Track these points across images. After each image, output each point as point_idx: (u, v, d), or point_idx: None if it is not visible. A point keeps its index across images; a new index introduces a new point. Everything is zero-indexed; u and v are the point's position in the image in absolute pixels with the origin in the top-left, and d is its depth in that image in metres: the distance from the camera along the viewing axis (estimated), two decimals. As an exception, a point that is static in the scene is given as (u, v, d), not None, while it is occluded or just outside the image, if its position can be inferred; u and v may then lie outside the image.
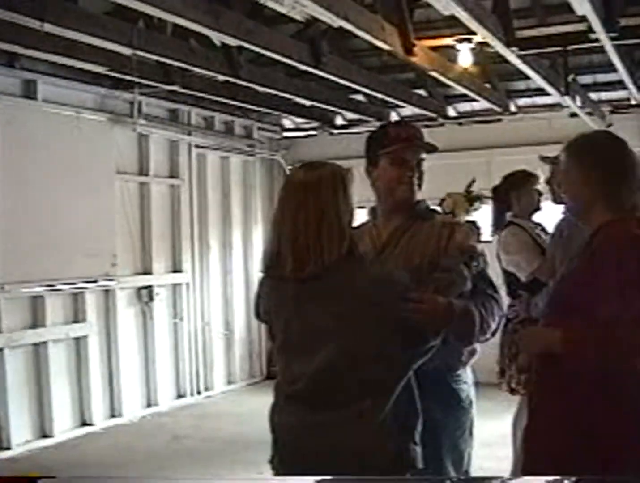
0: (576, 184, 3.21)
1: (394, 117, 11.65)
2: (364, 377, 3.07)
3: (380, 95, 9.77)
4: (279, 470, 3.26)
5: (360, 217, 3.74)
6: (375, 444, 3.04)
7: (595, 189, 3.15)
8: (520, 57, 7.50)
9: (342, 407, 3.07)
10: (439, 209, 3.87)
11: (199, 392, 10.77)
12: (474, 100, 10.22)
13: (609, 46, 7.26)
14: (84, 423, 8.96)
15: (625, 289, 2.93)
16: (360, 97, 10.79)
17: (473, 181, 3.38)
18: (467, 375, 3.75)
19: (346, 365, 3.08)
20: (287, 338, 3.24)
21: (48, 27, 6.21)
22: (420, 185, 3.77)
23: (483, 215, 3.55)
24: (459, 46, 8.04)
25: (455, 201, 3.41)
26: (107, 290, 9.38)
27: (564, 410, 3.03)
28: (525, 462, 3.18)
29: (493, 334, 3.58)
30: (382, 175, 3.73)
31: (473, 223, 3.60)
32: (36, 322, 8.49)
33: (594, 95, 10.30)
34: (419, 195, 3.79)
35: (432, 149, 3.81)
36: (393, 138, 3.71)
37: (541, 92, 9.59)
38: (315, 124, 11.99)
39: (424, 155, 3.77)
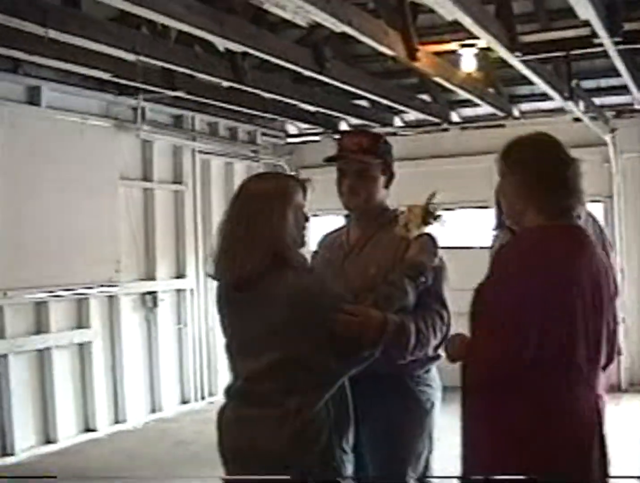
0: (507, 192, 3.17)
1: (397, 122, 11.67)
2: (293, 381, 3.12)
3: (384, 101, 9.77)
4: (222, 464, 3.49)
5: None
6: (295, 446, 3.09)
7: (524, 195, 3.09)
8: (523, 62, 7.50)
9: (269, 406, 3.14)
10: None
11: (203, 398, 10.76)
12: (477, 105, 10.22)
13: (612, 51, 7.25)
14: (88, 429, 8.96)
15: (500, 296, 2.95)
16: (364, 103, 10.80)
17: (434, 194, 3.28)
18: (431, 377, 3.74)
19: (278, 369, 3.13)
20: (228, 342, 3.41)
21: (52, 33, 6.22)
22: (370, 194, 3.77)
23: (442, 229, 3.48)
24: (462, 51, 8.04)
25: (410, 214, 3.34)
26: (111, 296, 9.38)
27: (488, 414, 2.98)
28: (463, 469, 3.08)
29: (436, 348, 3.58)
30: (337, 184, 3.85)
31: (430, 237, 3.54)
32: (40, 328, 8.49)
33: (597, 100, 10.29)
34: (372, 202, 3.79)
35: (364, 161, 3.76)
36: (339, 148, 3.84)
37: (544, 97, 9.58)
38: (319, 130, 11.99)
39: (375, 161, 3.77)
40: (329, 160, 3.85)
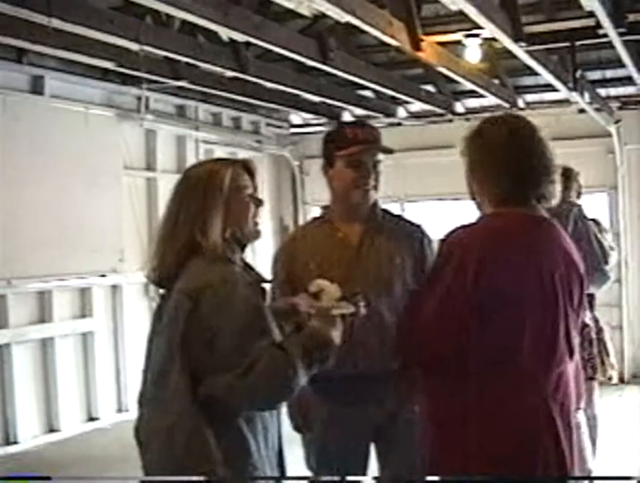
0: (467, 178, 3.04)
1: (401, 113, 11.65)
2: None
3: (388, 91, 9.76)
4: None
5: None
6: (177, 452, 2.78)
7: (476, 180, 2.98)
8: (528, 52, 7.48)
9: (160, 411, 2.88)
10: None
11: (206, 388, 10.76)
12: (482, 96, 10.19)
13: (617, 42, 7.23)
14: (91, 418, 8.98)
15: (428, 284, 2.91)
16: (368, 93, 10.78)
17: (357, 294, 2.92)
18: None
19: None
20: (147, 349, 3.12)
21: (56, 23, 6.20)
22: (376, 187, 3.73)
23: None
24: (466, 42, 8.01)
25: (324, 291, 2.96)
26: (114, 286, 9.39)
27: (427, 395, 2.95)
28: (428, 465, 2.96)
29: None
30: (338, 177, 3.71)
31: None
32: (43, 317, 8.51)
33: (602, 91, 10.27)
34: (375, 196, 3.77)
35: (388, 151, 3.75)
36: (350, 140, 3.67)
37: (549, 87, 9.56)
38: (323, 120, 11.98)
39: (380, 157, 3.73)
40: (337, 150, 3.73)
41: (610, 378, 5.98)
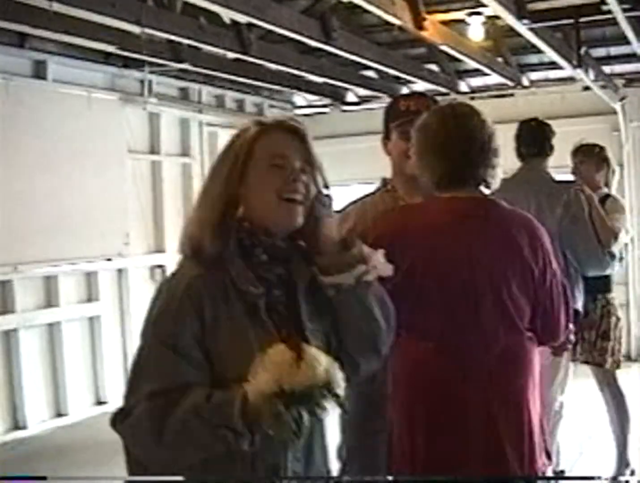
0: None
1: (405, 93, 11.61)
2: None
3: (391, 71, 9.72)
4: None
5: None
6: None
7: (420, 166, 3.03)
8: (532, 30, 7.44)
9: None
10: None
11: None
12: (486, 74, 10.15)
13: (621, 18, 7.19)
14: (99, 402, 9.00)
15: None
16: (371, 73, 10.74)
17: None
18: None
19: None
20: None
21: (57, 7, 6.20)
22: None
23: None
24: (469, 20, 7.98)
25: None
26: (120, 270, 9.40)
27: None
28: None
29: None
30: (393, 149, 3.69)
31: None
32: (50, 302, 8.52)
33: (607, 68, 10.22)
34: None
35: None
36: (402, 111, 3.65)
37: (554, 65, 9.52)
38: (326, 101, 11.94)
39: None
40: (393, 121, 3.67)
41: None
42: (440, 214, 2.94)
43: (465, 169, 2.93)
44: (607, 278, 5.79)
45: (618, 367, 5.89)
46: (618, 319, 5.86)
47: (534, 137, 5.93)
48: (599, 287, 5.78)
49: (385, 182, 3.77)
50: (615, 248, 5.71)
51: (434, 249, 2.87)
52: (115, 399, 9.04)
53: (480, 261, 2.85)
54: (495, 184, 3.00)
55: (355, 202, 3.76)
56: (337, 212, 3.06)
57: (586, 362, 5.82)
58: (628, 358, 10.38)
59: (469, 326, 2.82)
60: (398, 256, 2.60)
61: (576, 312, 5.69)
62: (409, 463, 2.83)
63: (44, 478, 2.34)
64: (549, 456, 3.03)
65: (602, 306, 5.81)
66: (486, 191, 3.00)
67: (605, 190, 5.95)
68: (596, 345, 5.75)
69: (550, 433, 5.62)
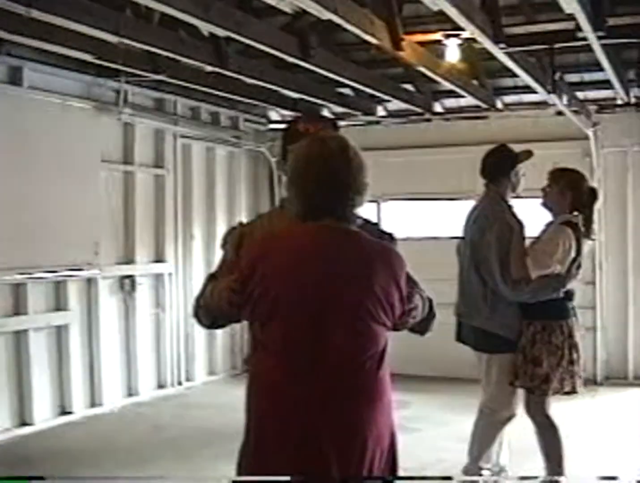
0: None
1: (380, 111, 11.68)
2: None
3: (367, 90, 9.77)
4: None
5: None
6: None
7: (288, 196, 3.18)
8: (507, 54, 7.52)
9: None
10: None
11: (180, 383, 10.75)
12: (461, 96, 10.23)
13: (596, 45, 7.28)
14: (64, 412, 8.93)
15: None
16: (347, 91, 10.79)
17: None
18: None
19: None
20: None
21: (35, 13, 6.18)
22: None
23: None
24: (446, 42, 8.05)
25: None
26: (89, 279, 9.35)
27: None
28: None
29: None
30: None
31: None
32: (18, 309, 8.44)
33: (580, 94, 10.32)
34: None
35: None
36: (301, 133, 3.65)
37: (528, 89, 9.60)
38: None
39: None
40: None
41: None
42: (298, 240, 3.09)
43: (323, 205, 3.05)
44: (545, 304, 5.72)
45: (545, 394, 5.68)
46: (558, 347, 5.63)
47: (487, 164, 6.11)
48: (533, 313, 5.73)
49: (282, 202, 3.80)
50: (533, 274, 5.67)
51: (289, 272, 3.01)
52: (80, 409, 9.00)
53: (332, 284, 2.98)
54: (356, 218, 3.12)
55: (253, 220, 3.86)
56: (233, 228, 3.66)
57: (521, 386, 5.77)
58: (594, 382, 10.46)
59: (312, 343, 2.96)
60: (257, 278, 2.97)
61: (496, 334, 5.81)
62: (261, 468, 3.02)
63: (41, 478, 2.38)
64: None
65: (533, 332, 5.67)
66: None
67: (567, 215, 5.88)
68: (526, 371, 5.70)
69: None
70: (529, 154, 6.07)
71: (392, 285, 3.02)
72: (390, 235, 3.59)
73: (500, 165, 6.07)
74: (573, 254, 5.74)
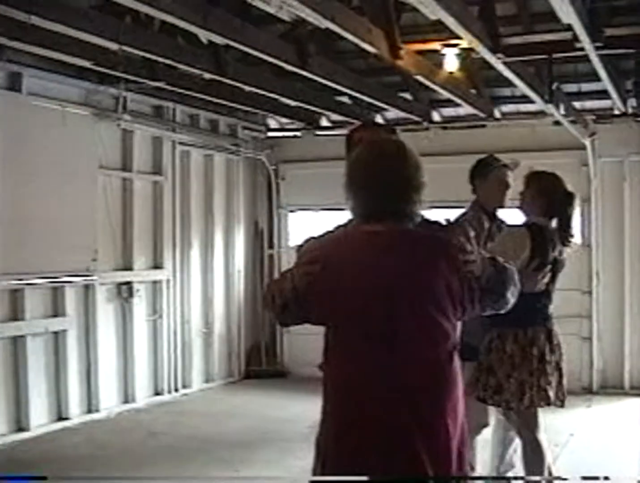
0: None
1: (378, 120, 11.69)
2: None
3: (365, 98, 9.80)
4: None
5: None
6: None
7: (347, 198, 3.21)
8: (505, 63, 7.54)
9: None
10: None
11: (176, 390, 10.75)
12: (458, 105, 10.26)
13: (593, 55, 7.31)
14: (61, 418, 8.93)
15: None
16: (345, 99, 10.81)
17: None
18: None
19: None
20: None
21: (35, 20, 6.21)
22: None
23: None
24: (444, 51, 8.07)
25: None
26: (87, 285, 9.35)
27: None
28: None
29: None
30: None
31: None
32: (15, 315, 8.45)
33: (577, 104, 10.36)
34: None
35: None
36: (355, 142, 3.72)
37: (525, 99, 9.63)
38: (300, 125, 12.01)
39: None
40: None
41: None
42: (361, 246, 3.12)
43: (385, 206, 3.10)
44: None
45: (498, 405, 5.50)
46: (511, 357, 5.34)
47: (470, 176, 6.15)
48: (492, 320, 5.44)
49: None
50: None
51: (355, 275, 3.07)
52: (77, 415, 9.00)
53: (398, 289, 3.02)
54: (418, 217, 3.16)
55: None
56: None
57: (476, 397, 5.44)
58: (590, 391, 10.48)
59: (384, 344, 3.00)
60: (322, 283, 3.05)
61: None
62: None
63: (44, 478, 2.38)
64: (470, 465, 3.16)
65: (489, 340, 5.44)
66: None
67: (534, 218, 5.80)
68: (480, 379, 5.50)
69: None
70: (515, 164, 6.09)
71: (457, 277, 3.05)
72: (447, 224, 3.62)
73: (473, 174, 6.12)
74: (525, 255, 5.39)
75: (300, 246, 3.70)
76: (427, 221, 3.58)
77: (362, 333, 3.03)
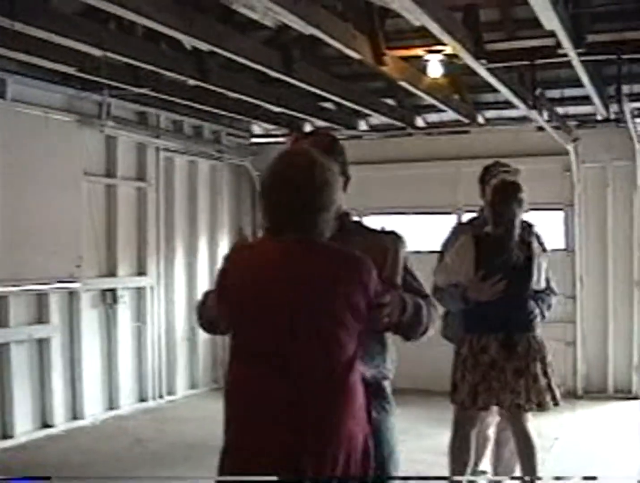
0: None
1: (362, 126, 11.72)
2: None
3: (349, 104, 9.81)
4: None
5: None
6: None
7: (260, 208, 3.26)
8: (489, 69, 7.57)
9: None
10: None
11: (161, 396, 10.73)
12: (442, 111, 10.29)
13: (576, 61, 7.35)
14: (45, 425, 8.90)
15: None
16: (329, 105, 10.83)
17: None
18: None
19: None
20: None
21: (18, 26, 6.19)
22: None
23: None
24: (428, 57, 8.10)
25: None
26: (71, 292, 9.32)
27: None
28: None
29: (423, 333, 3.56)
30: None
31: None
32: (-1, 322, 8.44)
33: (560, 110, 10.39)
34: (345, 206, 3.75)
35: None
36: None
37: (509, 105, 9.67)
38: (284, 131, 12.01)
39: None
40: None
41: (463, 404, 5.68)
42: (264, 254, 3.16)
43: (286, 221, 3.08)
44: (465, 316, 5.60)
45: (456, 404, 5.68)
46: (463, 361, 5.57)
47: (479, 181, 6.27)
48: (464, 324, 5.73)
49: None
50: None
51: (255, 283, 3.10)
52: (61, 422, 8.96)
53: (296, 293, 3.03)
54: (322, 231, 3.12)
55: None
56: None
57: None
58: (574, 395, 10.51)
59: (280, 352, 3.03)
60: (228, 290, 3.14)
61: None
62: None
63: (47, 478, 2.39)
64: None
65: (457, 342, 5.72)
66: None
67: (483, 229, 5.83)
68: (451, 379, 5.73)
69: None
70: (515, 171, 6.15)
71: (359, 291, 3.05)
72: (393, 233, 3.62)
73: (480, 179, 6.19)
74: (469, 266, 5.50)
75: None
76: (362, 226, 3.61)
77: (258, 344, 3.07)
